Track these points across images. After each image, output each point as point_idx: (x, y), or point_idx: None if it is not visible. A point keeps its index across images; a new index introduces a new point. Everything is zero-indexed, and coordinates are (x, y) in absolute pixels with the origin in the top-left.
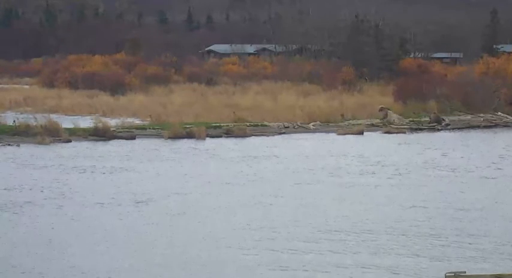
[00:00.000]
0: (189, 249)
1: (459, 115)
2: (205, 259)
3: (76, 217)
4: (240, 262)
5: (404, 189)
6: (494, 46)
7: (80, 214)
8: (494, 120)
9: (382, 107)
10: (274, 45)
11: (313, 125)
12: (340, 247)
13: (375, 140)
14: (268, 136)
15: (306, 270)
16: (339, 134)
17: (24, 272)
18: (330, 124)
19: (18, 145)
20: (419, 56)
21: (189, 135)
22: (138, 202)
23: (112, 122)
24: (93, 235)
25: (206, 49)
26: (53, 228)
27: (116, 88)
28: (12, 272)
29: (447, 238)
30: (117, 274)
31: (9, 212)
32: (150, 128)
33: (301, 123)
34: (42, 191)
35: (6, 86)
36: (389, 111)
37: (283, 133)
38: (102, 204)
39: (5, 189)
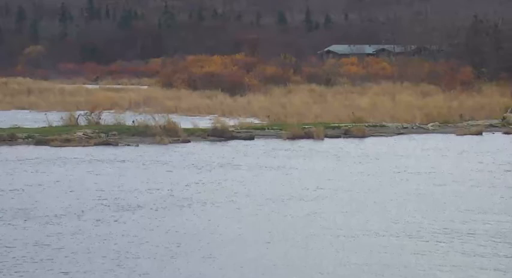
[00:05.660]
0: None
1: None
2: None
3: (254, 213)
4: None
5: None
6: None
7: (254, 211)
8: None
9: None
10: (392, 46)
11: (431, 126)
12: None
13: (495, 140)
14: (386, 136)
15: None
16: (458, 135)
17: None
18: (449, 125)
19: (137, 145)
20: None
21: (308, 135)
22: (306, 199)
23: (230, 122)
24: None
25: (325, 49)
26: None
27: (235, 88)
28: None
29: None
30: None
31: (179, 210)
32: (268, 128)
33: (419, 124)
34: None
35: (125, 86)
36: (505, 112)
37: (402, 133)
38: (271, 199)
39: (158, 189)
